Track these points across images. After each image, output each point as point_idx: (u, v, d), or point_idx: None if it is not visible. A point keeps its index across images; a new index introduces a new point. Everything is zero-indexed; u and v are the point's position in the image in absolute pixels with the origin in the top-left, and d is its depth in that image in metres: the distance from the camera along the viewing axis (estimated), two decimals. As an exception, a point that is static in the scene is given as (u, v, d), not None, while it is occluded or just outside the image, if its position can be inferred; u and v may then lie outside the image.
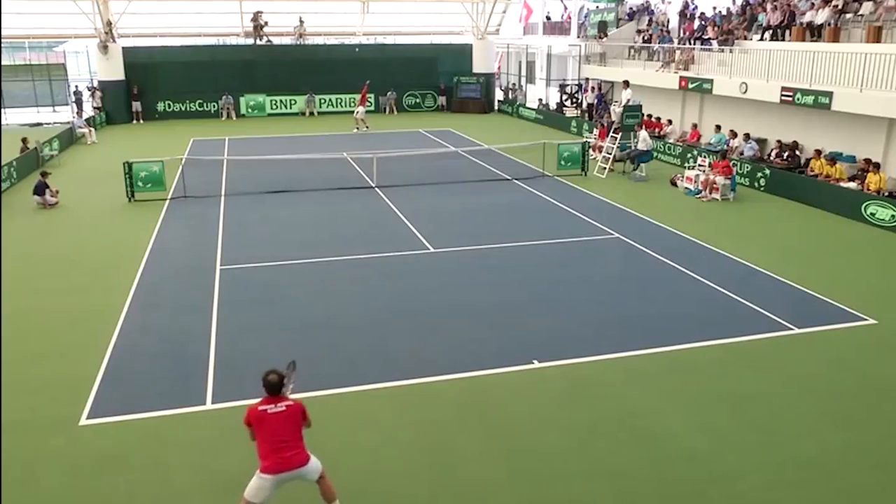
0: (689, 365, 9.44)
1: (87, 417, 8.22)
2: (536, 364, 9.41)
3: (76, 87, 36.75)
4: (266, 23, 36.85)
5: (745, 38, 24.98)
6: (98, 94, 34.72)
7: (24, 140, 23.43)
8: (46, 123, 33.33)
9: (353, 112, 32.57)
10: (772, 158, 21.07)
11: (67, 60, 39.29)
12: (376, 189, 19.71)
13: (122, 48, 34.53)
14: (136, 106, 34.96)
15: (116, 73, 34.29)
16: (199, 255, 14.07)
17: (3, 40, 31.32)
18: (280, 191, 19.47)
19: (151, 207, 17.82)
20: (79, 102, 35.64)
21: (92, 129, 29.93)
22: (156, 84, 35.40)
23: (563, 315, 11.08)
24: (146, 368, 9.40)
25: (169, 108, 35.99)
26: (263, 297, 11.84)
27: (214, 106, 36.39)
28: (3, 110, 33.90)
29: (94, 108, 34.56)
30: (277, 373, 6.33)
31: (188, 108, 36.24)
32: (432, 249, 14.41)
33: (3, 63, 34.56)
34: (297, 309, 11.35)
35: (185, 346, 10.01)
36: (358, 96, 32.93)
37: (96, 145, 28.52)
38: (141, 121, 34.97)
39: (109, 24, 33.51)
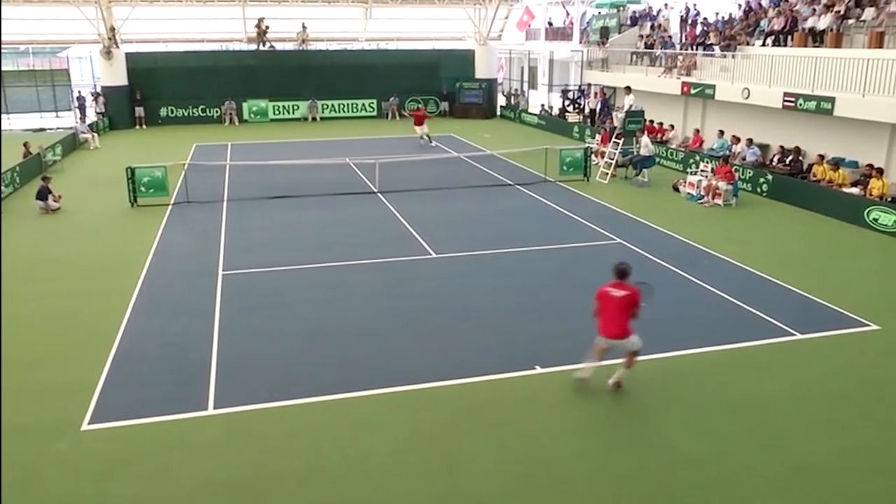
0: (692, 370, 9.45)
1: (90, 422, 8.23)
2: (539, 370, 9.41)
3: (79, 92, 36.90)
4: (268, 27, 36.97)
5: (748, 44, 25.03)
6: (101, 99, 34.82)
7: (26, 145, 23.50)
8: (49, 129, 33.43)
9: (355, 117, 32.60)
10: (774, 164, 21.08)
11: (70, 66, 39.39)
12: (378, 194, 19.73)
13: (126, 54, 34.65)
14: (139, 111, 35.07)
15: (119, 78, 34.40)
16: (201, 260, 14.10)
17: (6, 46, 31.43)
18: (282, 196, 19.49)
19: (154, 212, 17.86)
20: (82, 108, 35.78)
21: (95, 134, 30.01)
22: (159, 89, 35.52)
23: (566, 320, 11.09)
24: (148, 373, 9.42)
25: (172, 113, 36.10)
26: (266, 302, 11.85)
27: (217, 111, 36.49)
28: (6, 115, 33.97)
29: (97, 113, 34.65)
30: (627, 265, 8.58)
31: (191, 114, 36.36)
32: (435, 255, 14.42)
33: (6, 69, 34.69)
34: (299, 314, 11.36)
35: (188, 351, 10.03)
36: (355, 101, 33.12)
37: (99, 150, 28.59)
38: (144, 126, 35.06)
39: (113, 29, 33.64)
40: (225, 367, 9.54)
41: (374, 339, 10.45)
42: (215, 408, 8.52)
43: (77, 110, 35.82)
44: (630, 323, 8.52)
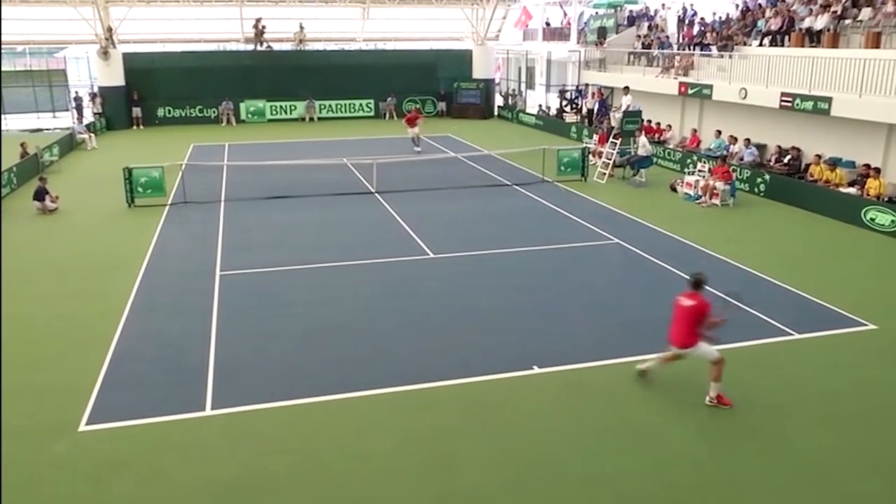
0: (690, 370, 9.44)
1: (87, 423, 8.22)
2: (537, 370, 9.42)
3: (76, 92, 36.82)
4: (265, 28, 36.95)
5: (745, 44, 25.05)
6: (98, 99, 34.79)
7: (24, 145, 23.46)
8: (46, 129, 33.38)
9: (353, 117, 32.48)
10: (772, 164, 21.10)
11: (68, 66, 39.32)
12: (376, 195, 19.73)
13: (123, 54, 34.61)
14: (137, 111, 35.01)
15: (117, 78, 34.35)
16: (199, 261, 14.09)
17: (3, 46, 31.36)
18: (280, 196, 19.49)
19: (151, 213, 17.85)
20: (79, 108, 35.73)
21: (92, 134, 29.97)
22: (156, 90, 35.48)
23: (564, 320, 11.11)
24: (146, 373, 9.41)
25: (169, 113, 36.06)
26: (263, 303, 11.85)
27: (214, 111, 36.45)
28: (3, 116, 33.91)
29: (95, 113, 34.62)
30: (702, 275, 8.56)
31: (188, 114, 36.31)
32: (432, 255, 14.43)
33: (4, 69, 34.61)
34: (297, 314, 11.36)
35: (185, 352, 10.02)
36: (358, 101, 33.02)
37: (96, 151, 28.56)
38: (141, 126, 35.02)
39: (110, 30, 33.60)
40: (223, 367, 9.54)
41: (373, 339, 10.45)
42: (213, 408, 8.52)
43: (74, 111, 35.77)
44: (696, 334, 8.40)
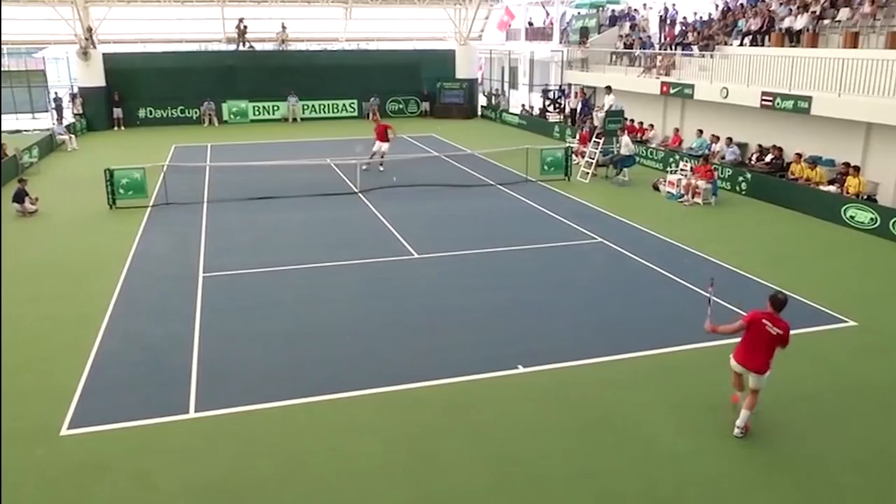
0: (672, 368, 9.51)
1: (69, 427, 8.14)
2: (521, 369, 9.44)
3: (56, 93, 36.45)
4: (247, 28, 36.78)
5: (726, 44, 25.25)
6: (78, 100, 34.46)
7: (3, 146, 23.18)
8: (26, 130, 33.00)
9: (336, 118, 32.20)
10: (753, 163, 21.27)
11: (47, 66, 38.92)
12: (360, 195, 19.70)
13: (103, 54, 34.28)
14: (117, 112, 34.72)
15: (97, 79, 34.04)
16: (181, 263, 13.99)
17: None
18: (263, 197, 19.39)
19: (133, 215, 17.70)
20: (59, 109, 35.31)
21: (72, 135, 29.68)
22: (137, 90, 35.18)
23: (548, 320, 11.13)
24: (128, 377, 9.33)
25: (150, 114, 35.78)
26: (246, 305, 11.79)
27: (196, 112, 36.24)
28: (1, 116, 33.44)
29: (75, 114, 34.29)
30: (785, 296, 7.86)
31: (170, 115, 36.04)
32: (416, 255, 14.42)
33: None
34: (281, 316, 11.31)
35: (168, 354, 9.95)
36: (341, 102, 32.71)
37: (77, 152, 28.29)
38: (122, 127, 34.73)
39: (90, 30, 33.28)
40: (206, 369, 9.48)
41: (357, 339, 10.42)
42: (196, 411, 8.46)
43: (54, 111, 35.40)
44: (772, 358, 7.93)
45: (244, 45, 37.25)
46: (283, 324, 10.99)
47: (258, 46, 38.17)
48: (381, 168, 22.99)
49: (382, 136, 22.95)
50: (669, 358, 9.81)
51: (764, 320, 7.80)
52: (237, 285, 12.75)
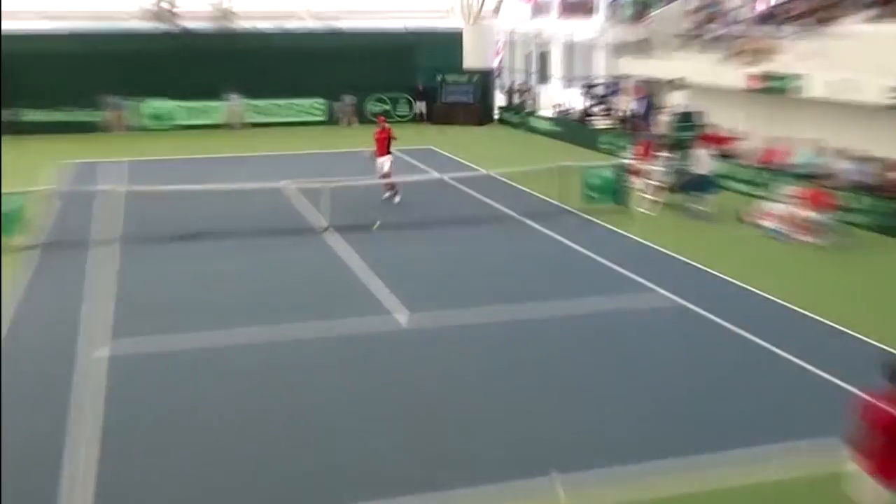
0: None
1: None
2: (556, 476, 9.01)
3: None
4: (172, 3, 37.13)
5: (843, 20, 25.15)
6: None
7: None
8: None
9: (296, 123, 32.09)
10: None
11: None
12: (329, 232, 19.66)
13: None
14: (-10, 117, 34.82)
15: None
16: (70, 337, 13.70)
17: None
18: (196, 235, 19.43)
19: (8, 262, 17.37)
20: None
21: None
22: (16, 85, 35.14)
23: (596, 413, 10.96)
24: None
25: (35, 118, 36.01)
26: (162, 401, 11.51)
27: (100, 115, 36.50)
28: None
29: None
30: None
31: (62, 119, 36.24)
32: (406, 321, 14.35)
33: None
34: (208, 418, 11.05)
35: (41, 479, 9.45)
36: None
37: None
38: (-5, 136, 34.79)
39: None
40: (104, 498, 9.03)
41: (313, 448, 10.23)
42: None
43: None
44: None
45: (169, 23, 37.46)
46: (208, 430, 10.71)
47: (189, 25, 38.37)
48: (398, 199, 22.98)
49: (386, 147, 23.13)
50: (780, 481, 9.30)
51: (880, 405, 6.90)
52: (155, 368, 12.65)
